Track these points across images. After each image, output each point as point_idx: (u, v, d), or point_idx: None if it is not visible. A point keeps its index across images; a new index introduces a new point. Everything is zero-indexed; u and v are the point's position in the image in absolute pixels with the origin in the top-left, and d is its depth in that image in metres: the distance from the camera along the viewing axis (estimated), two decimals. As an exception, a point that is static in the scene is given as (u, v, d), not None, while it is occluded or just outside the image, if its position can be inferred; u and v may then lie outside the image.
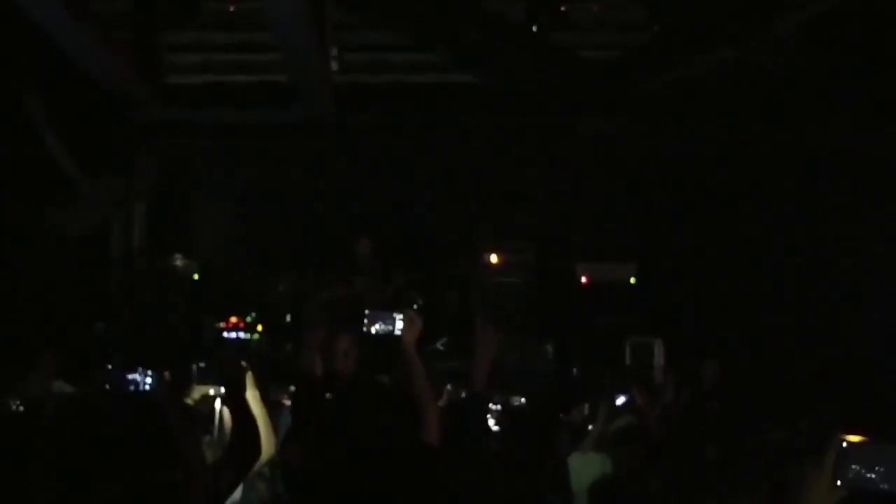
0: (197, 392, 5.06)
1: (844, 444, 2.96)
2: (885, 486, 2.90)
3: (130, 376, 5.10)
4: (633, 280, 11.50)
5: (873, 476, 2.92)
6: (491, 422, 5.53)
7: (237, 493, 4.44)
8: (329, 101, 11.38)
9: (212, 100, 11.90)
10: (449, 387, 7.68)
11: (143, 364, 5.23)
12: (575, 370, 10.96)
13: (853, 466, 2.93)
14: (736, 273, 11.27)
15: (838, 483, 2.93)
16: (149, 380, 5.07)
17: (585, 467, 5.66)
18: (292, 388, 5.67)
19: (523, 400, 7.60)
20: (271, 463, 4.90)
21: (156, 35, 11.39)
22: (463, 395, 6.88)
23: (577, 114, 11.62)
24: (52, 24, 9.57)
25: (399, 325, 4.41)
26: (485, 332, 4.38)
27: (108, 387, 5.17)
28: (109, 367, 5.38)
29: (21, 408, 4.87)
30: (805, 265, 10.70)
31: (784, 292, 10.89)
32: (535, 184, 12.35)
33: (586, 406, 7.85)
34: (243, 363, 4.14)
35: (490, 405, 5.69)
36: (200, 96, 11.87)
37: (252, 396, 4.43)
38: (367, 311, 4.51)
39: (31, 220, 10.76)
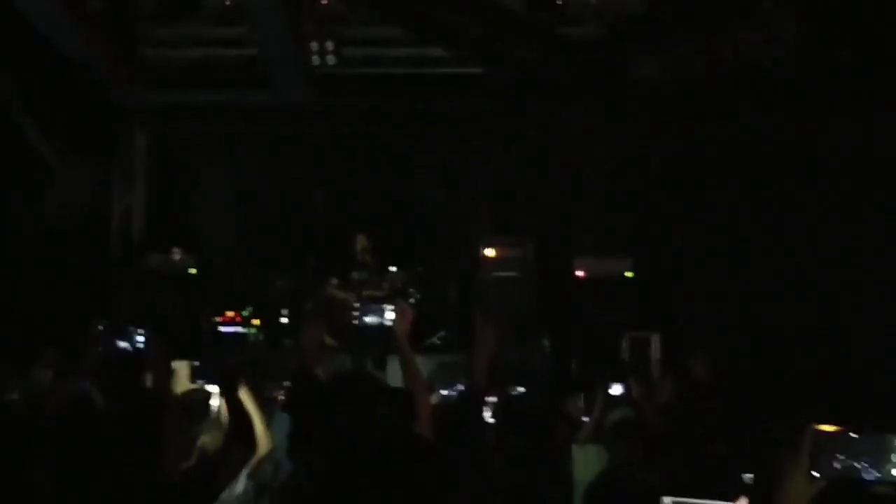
0: (191, 386, 5.06)
1: (818, 436, 2.97)
2: (862, 475, 2.92)
3: (122, 338, 5.07)
4: (630, 274, 11.49)
5: (849, 465, 2.93)
6: (489, 416, 5.52)
7: (239, 486, 4.44)
8: (317, 93, 11.38)
9: (206, 93, 11.86)
10: None
11: (135, 325, 5.19)
12: (573, 364, 10.95)
13: (828, 456, 2.95)
14: (735, 271, 11.24)
15: (816, 474, 2.94)
16: (140, 338, 5.04)
17: (585, 461, 5.65)
18: (286, 383, 5.65)
19: (522, 389, 7.58)
20: (269, 457, 4.90)
21: (142, 24, 11.35)
22: (460, 388, 6.86)
23: (576, 110, 11.61)
24: (31, 7, 9.56)
25: (390, 315, 4.40)
26: (484, 327, 4.38)
27: (100, 349, 5.14)
28: (101, 328, 5.30)
29: (21, 406, 4.86)
30: (805, 265, 10.66)
31: (784, 292, 10.86)
32: (533, 180, 12.35)
33: (581, 398, 7.83)
34: (238, 361, 4.15)
35: (488, 399, 5.68)
36: (192, 88, 11.82)
37: (245, 394, 4.43)
38: (356, 304, 4.51)
39: (30, 218, 10.72)
